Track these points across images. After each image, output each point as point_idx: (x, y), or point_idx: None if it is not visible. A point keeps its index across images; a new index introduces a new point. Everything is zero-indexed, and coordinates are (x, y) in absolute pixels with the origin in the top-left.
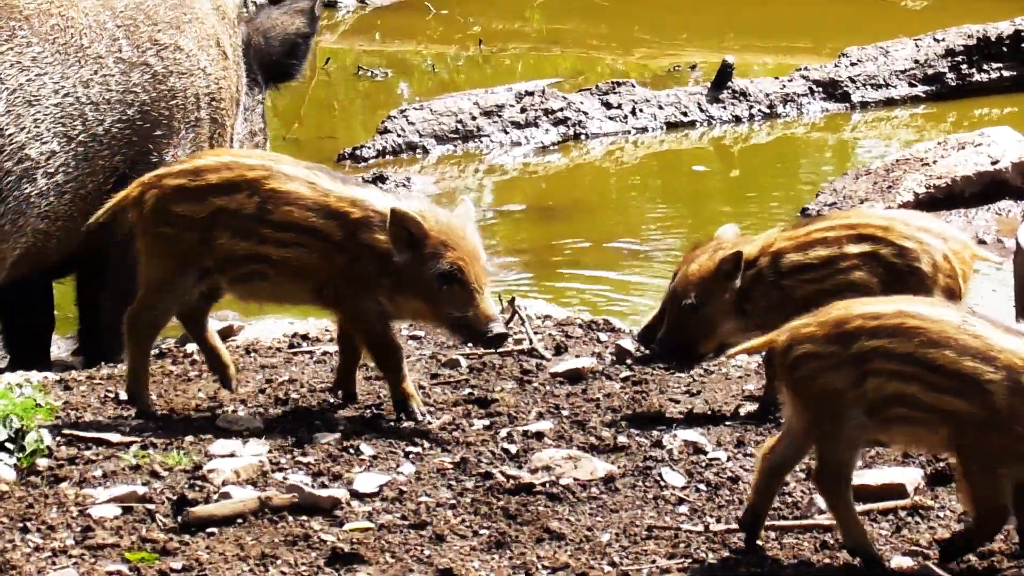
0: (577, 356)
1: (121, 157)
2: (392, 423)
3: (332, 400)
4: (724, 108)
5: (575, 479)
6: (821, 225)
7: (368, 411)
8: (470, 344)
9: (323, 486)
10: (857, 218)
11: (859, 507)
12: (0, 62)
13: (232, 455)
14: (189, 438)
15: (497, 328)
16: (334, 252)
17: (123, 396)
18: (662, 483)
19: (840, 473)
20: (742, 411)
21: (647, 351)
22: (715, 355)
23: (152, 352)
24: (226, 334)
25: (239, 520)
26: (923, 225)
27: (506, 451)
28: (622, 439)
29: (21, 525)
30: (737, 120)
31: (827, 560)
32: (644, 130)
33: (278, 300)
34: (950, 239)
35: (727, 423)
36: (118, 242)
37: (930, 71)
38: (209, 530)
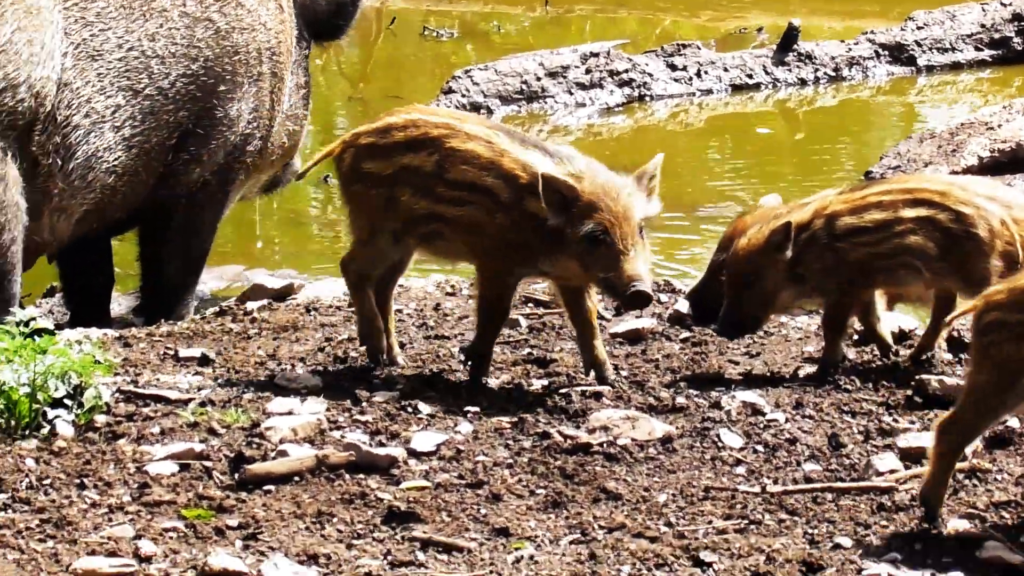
0: (637, 317)
1: (185, 112)
2: (451, 382)
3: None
4: (789, 71)
5: (632, 439)
6: (877, 189)
7: (428, 370)
8: (616, 304)
9: (380, 445)
10: (915, 183)
11: (918, 469)
12: (65, 17)
13: (290, 413)
14: (247, 396)
15: (638, 286)
16: (500, 212)
17: (183, 353)
18: (720, 444)
19: (969, 435)
20: (801, 373)
21: (695, 315)
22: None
23: (212, 310)
24: (286, 292)
25: (296, 478)
26: (984, 191)
27: (564, 411)
28: (680, 400)
29: (78, 481)
30: (802, 83)
31: (884, 523)
32: (709, 92)
33: (454, 259)
34: (1015, 206)
35: (786, 385)
36: (181, 197)
37: (996, 35)
38: (266, 488)
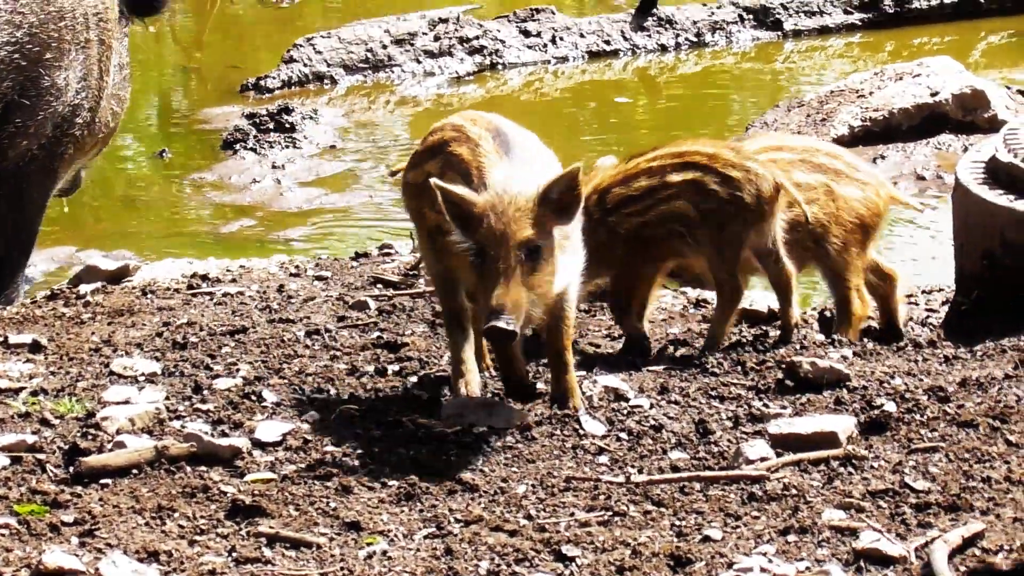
0: None
1: (9, 83)
2: (296, 369)
3: (231, 343)
4: (649, 36)
5: (489, 427)
6: (650, 155)
7: (272, 355)
8: None
9: (223, 435)
10: (687, 146)
11: (789, 457)
12: None
13: (127, 402)
14: (82, 384)
15: (493, 321)
16: None
17: (12, 339)
18: (581, 432)
19: None
20: (666, 355)
21: None
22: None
23: (43, 294)
24: (122, 274)
25: (134, 471)
26: (769, 149)
27: (417, 397)
28: (539, 385)
29: None
30: (663, 49)
31: (755, 513)
32: (564, 59)
33: None
34: (866, 179)
35: (650, 369)
36: (4, 174)
37: None
38: (103, 481)
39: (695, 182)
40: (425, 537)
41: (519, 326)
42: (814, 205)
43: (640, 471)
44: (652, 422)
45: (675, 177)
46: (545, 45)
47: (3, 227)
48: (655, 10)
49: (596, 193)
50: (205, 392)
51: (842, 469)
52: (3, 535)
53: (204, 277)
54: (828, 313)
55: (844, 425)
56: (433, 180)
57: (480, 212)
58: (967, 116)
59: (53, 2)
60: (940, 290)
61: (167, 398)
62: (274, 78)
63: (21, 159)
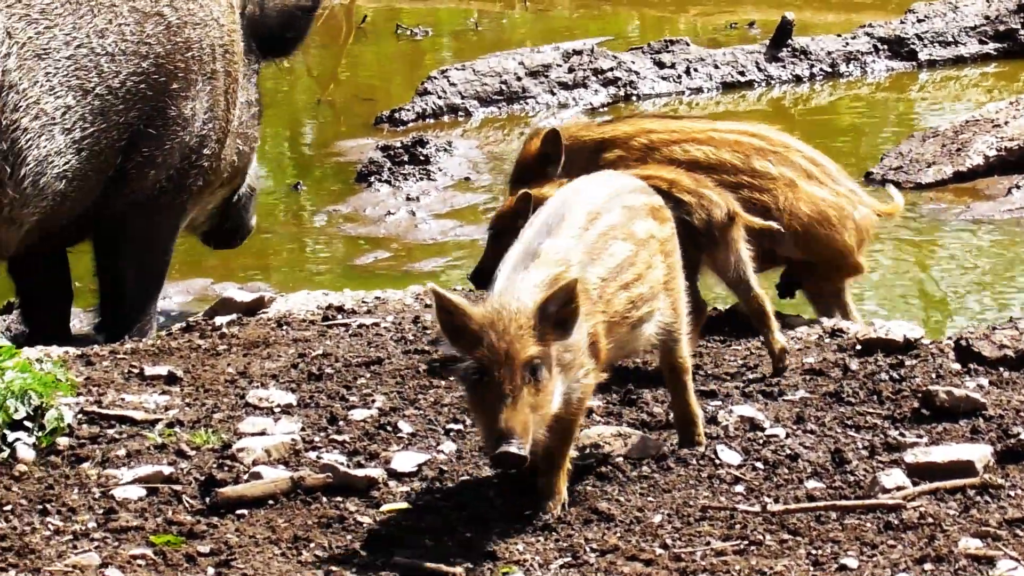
0: None
1: (136, 112)
2: (432, 399)
3: (366, 375)
4: (784, 67)
5: (625, 457)
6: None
7: (408, 386)
8: None
9: (359, 465)
10: (652, 170)
11: (925, 485)
12: (7, 16)
13: (263, 433)
14: (218, 416)
15: (505, 447)
16: None
17: (148, 371)
18: (717, 461)
19: None
20: (801, 385)
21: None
22: None
23: (178, 326)
24: (257, 306)
25: (270, 501)
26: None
27: None
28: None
29: (40, 507)
30: (798, 80)
31: (892, 542)
32: (699, 91)
33: None
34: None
35: (786, 398)
36: (135, 205)
37: (1002, 27)
38: (239, 512)
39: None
40: (561, 567)
41: (529, 450)
42: (770, 194)
43: (776, 500)
44: (788, 451)
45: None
46: (679, 76)
47: (135, 262)
48: (789, 41)
49: None
50: (341, 423)
51: (979, 498)
52: (140, 565)
53: (339, 309)
54: (964, 342)
55: (980, 454)
56: (430, 285)
57: (478, 328)
58: None
59: (180, 32)
60: None
61: (303, 429)
62: (408, 110)
63: (151, 190)
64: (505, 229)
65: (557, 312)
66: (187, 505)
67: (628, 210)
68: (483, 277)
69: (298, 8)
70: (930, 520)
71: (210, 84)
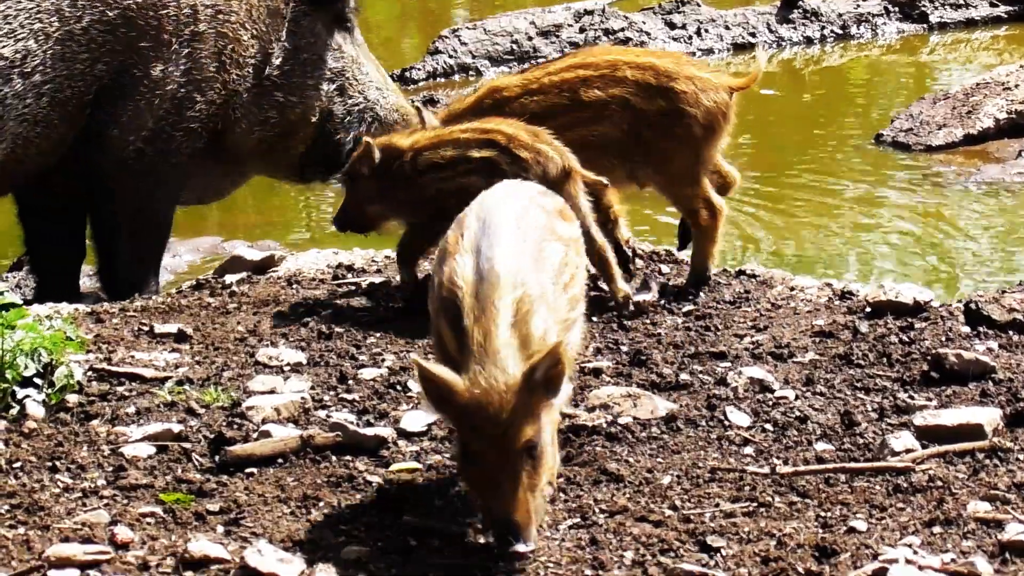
0: (639, 291)
1: (103, 65)
2: None
3: (376, 334)
4: (794, 29)
5: (634, 418)
6: (463, 126)
7: (416, 345)
8: None
9: (368, 424)
10: (492, 124)
11: (935, 448)
12: None
13: (272, 392)
14: (227, 374)
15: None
16: None
17: (158, 329)
18: (726, 423)
19: None
20: (811, 347)
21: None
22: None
23: (188, 284)
24: (267, 265)
25: (280, 460)
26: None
27: None
28: (684, 376)
29: (50, 464)
30: (808, 42)
31: (900, 505)
32: (710, 52)
33: None
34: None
35: (795, 360)
36: (117, 166)
37: None
38: (248, 470)
39: (490, 160)
40: (570, 527)
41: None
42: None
43: (785, 462)
44: (797, 413)
45: (475, 153)
46: (690, 37)
47: (126, 224)
48: (800, 2)
49: (412, 151)
50: (350, 382)
51: (988, 461)
52: (149, 523)
53: (349, 268)
54: (973, 305)
55: (990, 417)
56: (413, 356)
57: (465, 405)
58: None
59: None
60: None
61: (312, 388)
62: (419, 69)
63: (125, 151)
64: (355, 174)
65: (544, 376)
66: (196, 463)
67: (546, 212)
68: (344, 221)
69: None
70: (939, 483)
71: (190, 47)
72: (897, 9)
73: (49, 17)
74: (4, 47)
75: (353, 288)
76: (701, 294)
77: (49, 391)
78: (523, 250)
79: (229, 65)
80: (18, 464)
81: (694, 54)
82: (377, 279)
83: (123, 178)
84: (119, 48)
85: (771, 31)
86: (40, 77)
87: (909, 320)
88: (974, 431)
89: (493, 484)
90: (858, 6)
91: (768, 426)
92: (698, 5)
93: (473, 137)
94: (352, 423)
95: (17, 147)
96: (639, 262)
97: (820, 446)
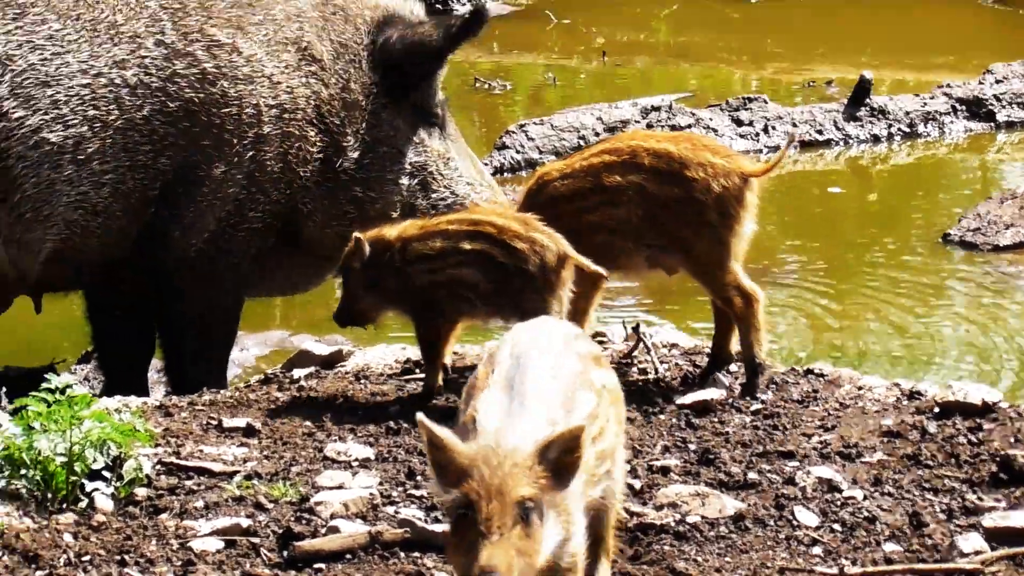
0: (705, 387)
1: (167, 160)
2: None
3: None
4: (861, 126)
5: (702, 517)
6: (450, 217)
7: None
8: None
9: (437, 521)
10: (480, 215)
11: (1003, 550)
12: (5, 43)
13: (340, 487)
14: (296, 468)
15: None
16: None
17: (227, 423)
18: (795, 522)
19: None
20: (879, 447)
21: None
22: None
23: (256, 378)
24: (335, 359)
25: (348, 556)
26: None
27: (630, 486)
28: (752, 475)
29: (119, 558)
30: (875, 139)
31: None
32: (776, 148)
33: None
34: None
35: (863, 460)
36: (180, 265)
37: None
38: (316, 566)
39: (482, 252)
40: None
41: None
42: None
43: (854, 563)
44: (866, 513)
45: (466, 245)
46: (757, 134)
47: (191, 324)
48: (868, 100)
49: (400, 241)
50: (419, 477)
51: None
52: None
53: (417, 363)
54: None
55: None
56: (419, 416)
57: (468, 462)
58: None
59: (215, 83)
60: None
61: (381, 483)
62: (486, 164)
63: (188, 251)
64: (348, 268)
65: (557, 459)
66: (265, 558)
67: (581, 358)
68: (342, 315)
69: (423, 41)
70: None
71: (253, 149)
72: (964, 108)
73: (107, 105)
74: (52, 133)
75: (421, 383)
76: (769, 392)
77: (118, 484)
78: (555, 395)
79: (295, 164)
80: (87, 558)
81: (761, 151)
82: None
83: (187, 278)
84: (182, 143)
85: (838, 128)
86: (99, 165)
87: (977, 420)
88: None
89: (480, 534)
90: (925, 104)
91: (836, 526)
92: (765, 102)
93: (462, 229)
94: (420, 519)
95: (74, 235)
96: (706, 360)
97: (888, 547)
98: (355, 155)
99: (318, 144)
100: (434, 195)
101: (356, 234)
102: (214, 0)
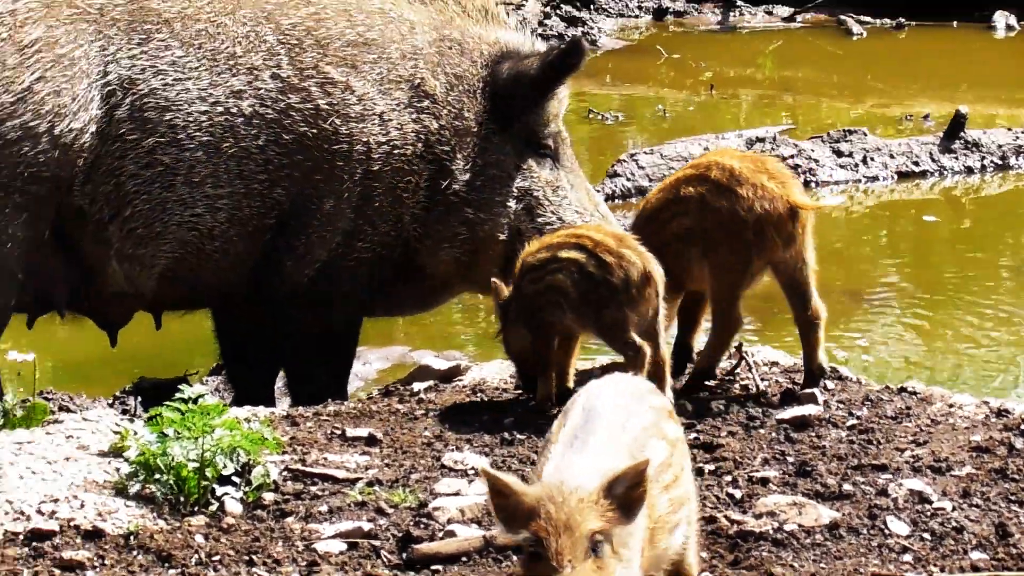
0: (803, 403)
1: (282, 190)
2: None
3: None
4: (956, 158)
5: (799, 525)
6: (559, 232)
7: None
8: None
9: None
10: (584, 230)
11: None
12: (128, 67)
13: (457, 494)
14: (415, 476)
15: None
16: None
17: (350, 432)
18: (886, 531)
19: None
20: (968, 462)
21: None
22: None
23: (378, 391)
24: (452, 374)
25: (463, 558)
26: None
27: (731, 496)
28: (847, 487)
29: (247, 558)
30: (969, 171)
31: None
32: (875, 179)
33: None
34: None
35: (953, 474)
36: (293, 294)
37: None
38: (433, 567)
39: (576, 261)
40: None
41: None
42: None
43: (942, 570)
44: (954, 523)
45: (564, 254)
46: (856, 165)
47: (310, 349)
48: (962, 133)
49: (521, 262)
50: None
51: None
52: None
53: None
54: None
55: None
56: (481, 466)
57: (535, 502)
58: None
59: (327, 120)
60: None
61: None
62: (599, 191)
63: (297, 282)
64: (498, 307)
65: (623, 493)
66: (385, 560)
67: (654, 410)
68: (509, 351)
69: (523, 71)
70: None
71: (363, 186)
72: None
73: (223, 132)
74: (166, 154)
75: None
76: (864, 408)
77: (246, 489)
78: (621, 445)
79: (405, 196)
80: (217, 558)
81: (859, 181)
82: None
83: (300, 306)
84: (296, 175)
85: (933, 160)
86: (212, 190)
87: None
88: None
89: (550, 569)
90: (1017, 138)
91: (926, 535)
92: (864, 134)
93: (565, 240)
94: None
95: (188, 255)
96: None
97: (975, 555)
98: (466, 177)
99: (425, 173)
100: (540, 219)
101: (493, 279)
102: (329, 36)
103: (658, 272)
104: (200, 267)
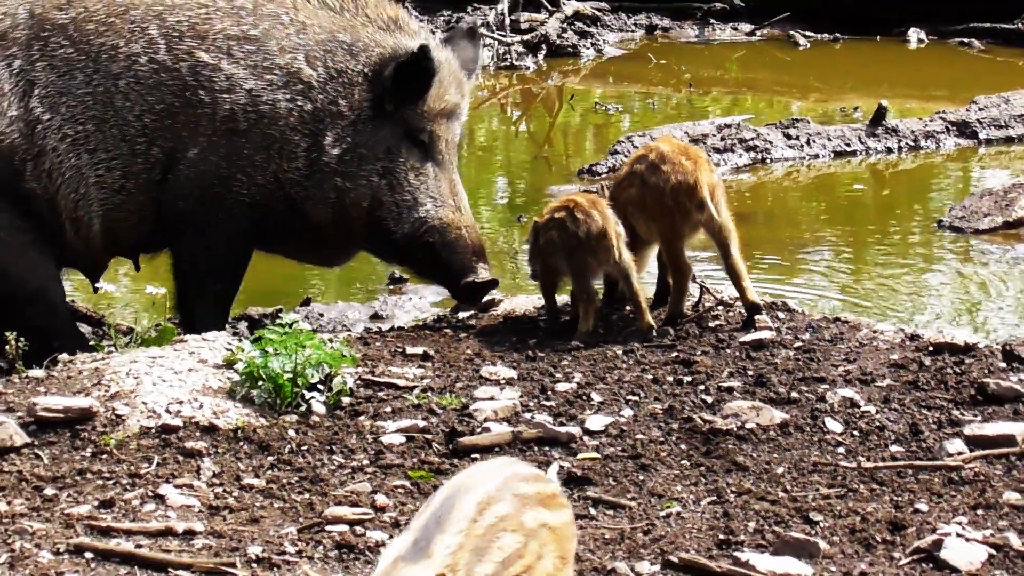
0: (760, 330)
1: (159, 148)
2: (615, 378)
3: (568, 358)
4: (879, 141)
5: (757, 424)
6: (559, 200)
7: (599, 367)
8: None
9: (561, 424)
10: (576, 196)
11: (979, 452)
12: (33, 67)
13: (492, 399)
14: (459, 384)
15: None
16: None
17: (409, 350)
18: (825, 429)
19: None
20: (888, 375)
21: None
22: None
23: (431, 318)
24: (489, 305)
25: (496, 448)
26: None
27: (704, 401)
28: (794, 394)
29: (328, 448)
30: (889, 151)
31: (953, 493)
32: (816, 157)
33: None
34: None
35: (876, 384)
36: (179, 232)
37: None
38: (473, 455)
39: (560, 220)
40: (709, 503)
41: None
42: None
43: (868, 459)
44: (877, 424)
45: (556, 215)
46: (802, 145)
47: (193, 277)
48: (884, 122)
49: (534, 221)
50: (549, 392)
51: (1019, 462)
52: (400, 492)
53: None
54: (1008, 347)
55: (1021, 429)
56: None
57: None
58: None
59: (195, 93)
60: None
61: (521, 396)
62: (602, 165)
63: (182, 221)
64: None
65: None
66: (435, 449)
67: (520, 499)
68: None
69: (402, 61)
70: (982, 477)
71: (228, 139)
72: (955, 128)
73: (104, 107)
74: (71, 130)
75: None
76: (807, 333)
77: (328, 394)
78: (468, 539)
79: (279, 159)
80: (304, 447)
81: (804, 158)
82: (568, 318)
83: (185, 244)
84: (168, 135)
85: (861, 142)
86: (105, 153)
87: (961, 357)
88: (1009, 440)
89: None
90: (926, 126)
91: (856, 432)
92: (808, 122)
93: (560, 204)
94: (550, 423)
95: (109, 210)
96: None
97: (894, 448)
98: (335, 152)
99: (303, 145)
100: (397, 195)
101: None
102: (212, 31)
103: (616, 229)
104: (125, 221)
